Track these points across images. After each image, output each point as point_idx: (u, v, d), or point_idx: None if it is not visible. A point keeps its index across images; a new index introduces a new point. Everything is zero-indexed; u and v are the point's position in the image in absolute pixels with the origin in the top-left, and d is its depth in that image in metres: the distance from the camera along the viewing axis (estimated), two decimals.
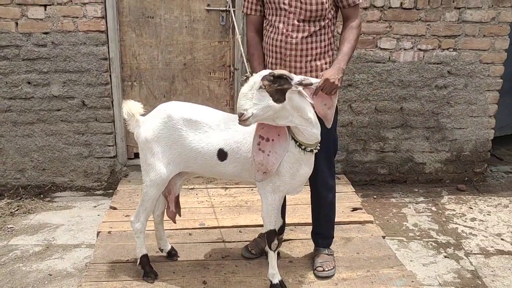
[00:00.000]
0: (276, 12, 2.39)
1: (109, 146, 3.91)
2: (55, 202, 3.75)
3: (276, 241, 2.44)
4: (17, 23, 3.58)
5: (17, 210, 3.58)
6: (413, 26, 3.78)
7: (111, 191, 3.90)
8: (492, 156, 4.43)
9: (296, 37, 2.36)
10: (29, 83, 3.71)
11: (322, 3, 2.33)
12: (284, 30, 2.37)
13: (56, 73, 3.70)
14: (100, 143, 3.89)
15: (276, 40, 2.40)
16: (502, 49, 3.86)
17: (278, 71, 2.08)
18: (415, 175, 4.17)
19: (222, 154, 2.32)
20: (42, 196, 3.82)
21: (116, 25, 3.71)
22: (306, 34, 2.37)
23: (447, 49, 3.85)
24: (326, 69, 2.38)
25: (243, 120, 2.03)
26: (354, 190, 3.73)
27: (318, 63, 2.42)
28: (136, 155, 4.08)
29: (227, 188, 3.74)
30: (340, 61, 2.27)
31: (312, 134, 2.20)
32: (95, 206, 3.69)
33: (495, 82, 3.95)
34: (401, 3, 3.71)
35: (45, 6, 3.56)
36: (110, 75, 3.78)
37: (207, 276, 2.59)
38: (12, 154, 3.83)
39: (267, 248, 2.68)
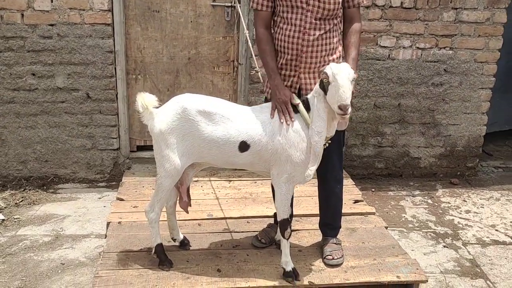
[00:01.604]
0: (292, 10, 2.44)
1: (113, 138, 3.94)
2: (59, 193, 3.77)
3: (289, 229, 2.53)
4: (23, 15, 3.58)
5: (21, 201, 3.59)
6: (412, 25, 3.91)
7: (114, 183, 3.93)
8: (483, 152, 4.61)
9: (314, 35, 2.44)
10: (33, 74, 3.71)
11: (339, 3, 2.42)
12: (302, 28, 2.44)
13: (61, 65, 3.71)
14: (103, 135, 3.92)
15: (293, 37, 2.46)
16: (495, 49, 4.03)
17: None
18: (410, 169, 4.32)
19: (244, 146, 2.38)
20: (45, 187, 3.83)
21: (122, 18, 3.73)
22: (322, 32, 2.45)
23: (444, 48, 3.99)
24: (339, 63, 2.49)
25: (347, 114, 2.14)
26: (354, 183, 3.85)
27: (331, 57, 2.51)
28: (139, 148, 4.14)
29: (230, 180, 3.81)
30: (352, 67, 2.37)
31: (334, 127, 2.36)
32: (99, 198, 3.72)
33: (489, 80, 4.12)
34: (402, 3, 3.84)
35: None
36: (115, 68, 3.81)
37: (221, 265, 2.66)
38: (15, 146, 3.83)
39: (278, 236, 2.78)
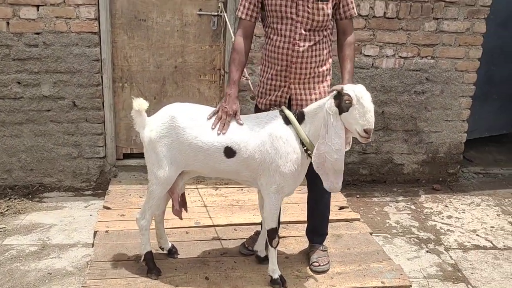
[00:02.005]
0: (282, 21, 2.48)
1: (99, 146, 3.94)
2: (45, 202, 3.75)
3: (277, 238, 2.57)
4: (8, 23, 3.57)
5: (7, 211, 3.56)
6: (395, 34, 4.00)
7: (100, 191, 3.93)
8: (464, 158, 4.72)
9: (303, 46, 2.48)
10: (19, 83, 3.70)
11: (328, 14, 2.47)
12: (292, 39, 2.48)
13: (47, 74, 3.71)
14: (90, 143, 3.91)
15: (283, 48, 2.50)
16: (475, 58, 4.14)
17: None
18: (394, 176, 4.40)
19: (230, 152, 2.41)
20: (30, 196, 3.81)
21: (109, 27, 3.75)
22: (312, 43, 2.49)
23: (426, 57, 4.09)
24: (329, 74, 2.57)
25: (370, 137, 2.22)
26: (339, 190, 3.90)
27: (321, 69, 2.56)
28: (125, 156, 4.15)
29: (217, 188, 3.84)
30: (349, 80, 2.47)
31: None
32: (86, 206, 3.72)
33: (469, 88, 4.23)
34: (384, 13, 3.93)
35: (37, 6, 3.56)
36: (102, 76, 3.81)
37: (209, 272, 2.69)
38: (0, 154, 3.80)
39: (257, 247, 2.81)
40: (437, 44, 4.07)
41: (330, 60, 2.62)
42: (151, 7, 3.80)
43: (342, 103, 2.22)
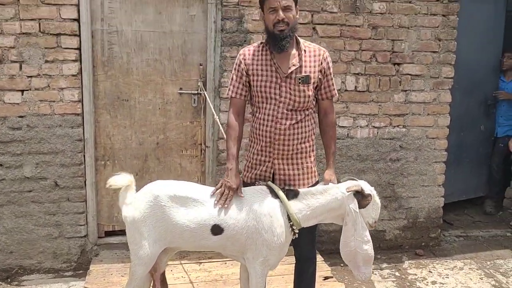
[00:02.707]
0: (267, 100, 2.61)
1: (80, 225, 3.91)
2: (23, 285, 3.65)
3: None
4: None
5: None
6: (367, 106, 4.21)
7: (81, 271, 3.85)
8: (444, 221, 4.80)
9: (285, 124, 2.59)
10: (1, 165, 3.72)
11: (309, 96, 2.61)
12: (275, 117, 2.60)
13: (29, 155, 3.75)
14: (71, 222, 3.89)
15: (266, 126, 2.62)
16: (444, 126, 4.36)
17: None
18: (376, 242, 4.42)
19: (217, 230, 2.44)
20: (9, 280, 3.71)
21: (92, 108, 3.87)
22: (294, 121, 2.61)
23: (398, 126, 4.29)
24: (312, 150, 2.69)
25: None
26: (323, 259, 3.91)
27: (303, 145, 2.66)
28: (107, 233, 4.12)
29: (201, 263, 3.80)
30: (333, 161, 2.70)
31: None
32: None
33: (441, 154, 4.40)
34: (355, 87, 4.16)
35: (22, 91, 3.68)
36: (84, 155, 3.87)
37: None
38: None
39: None
40: (407, 114, 4.29)
41: (313, 137, 2.73)
42: (134, 88, 3.96)
43: (363, 201, 2.46)
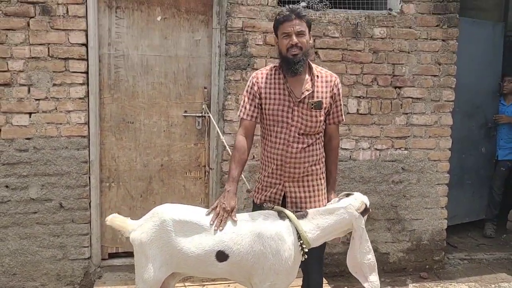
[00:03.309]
0: (278, 124, 2.66)
1: (84, 247, 3.92)
2: None
3: None
4: (0, 130, 3.71)
5: None
6: (369, 129, 4.26)
7: None
8: (447, 244, 4.79)
9: (296, 148, 2.64)
10: (7, 186, 3.75)
11: (321, 121, 2.67)
12: (286, 141, 2.64)
13: (35, 177, 3.79)
14: (75, 244, 3.89)
15: (277, 149, 2.66)
16: (446, 148, 4.39)
17: None
18: (380, 265, 4.39)
19: (222, 256, 2.44)
20: None
21: (98, 130, 3.92)
22: (305, 145, 2.65)
23: (399, 148, 4.33)
24: (322, 172, 2.73)
25: None
26: (327, 282, 3.89)
27: (314, 168, 2.70)
28: (111, 255, 4.11)
29: (204, 285, 3.79)
30: (335, 185, 2.79)
31: None
32: None
33: (443, 176, 4.43)
34: (357, 109, 4.22)
35: (30, 113, 3.74)
36: (89, 177, 3.91)
37: None
38: None
39: None
40: (408, 136, 4.33)
41: (323, 159, 2.77)
42: (139, 110, 4.02)
43: (364, 214, 2.55)
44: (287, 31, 2.57)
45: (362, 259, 2.51)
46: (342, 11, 4.16)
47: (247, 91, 2.72)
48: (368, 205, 2.59)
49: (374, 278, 2.55)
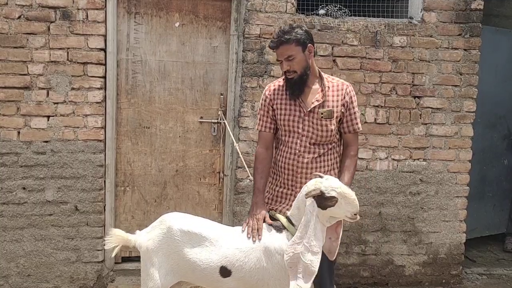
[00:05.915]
0: (290, 134, 2.70)
1: (98, 250, 3.94)
2: None
3: None
4: (19, 132, 3.76)
5: None
6: (387, 138, 4.18)
7: None
8: (466, 258, 4.66)
9: (307, 158, 2.65)
10: (24, 188, 3.81)
11: (332, 130, 2.66)
12: (297, 151, 2.66)
13: (52, 179, 3.83)
14: (89, 247, 3.92)
15: (289, 159, 2.68)
16: (466, 160, 4.28)
17: None
18: (396, 278, 4.33)
19: (225, 272, 2.42)
20: None
21: (114, 134, 3.95)
22: (316, 155, 2.66)
23: (418, 159, 4.24)
24: None
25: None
26: None
27: None
28: (124, 259, 4.13)
29: None
30: None
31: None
32: None
33: (463, 189, 4.32)
34: (375, 119, 4.15)
35: (48, 117, 3.79)
36: (105, 181, 3.93)
37: None
38: None
39: None
40: (427, 147, 4.24)
41: (336, 170, 2.75)
42: (155, 116, 4.04)
43: (327, 203, 2.27)
44: (279, 58, 2.66)
45: (302, 253, 2.26)
46: (362, 19, 4.11)
47: (261, 104, 2.81)
48: (328, 194, 2.24)
49: (305, 284, 2.25)
